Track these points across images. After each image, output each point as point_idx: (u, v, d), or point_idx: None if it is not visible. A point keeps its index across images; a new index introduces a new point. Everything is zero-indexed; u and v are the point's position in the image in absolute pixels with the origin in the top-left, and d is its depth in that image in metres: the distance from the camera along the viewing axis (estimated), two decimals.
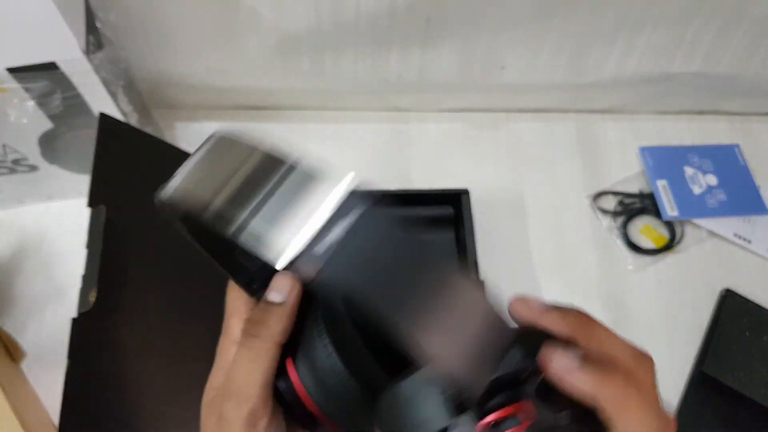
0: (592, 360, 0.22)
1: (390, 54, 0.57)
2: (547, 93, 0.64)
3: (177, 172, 0.23)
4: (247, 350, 0.24)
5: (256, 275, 0.26)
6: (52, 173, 0.54)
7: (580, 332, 0.23)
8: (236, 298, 0.27)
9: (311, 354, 0.24)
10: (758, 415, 0.53)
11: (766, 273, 0.60)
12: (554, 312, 0.24)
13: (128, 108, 0.51)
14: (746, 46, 0.58)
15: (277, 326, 0.23)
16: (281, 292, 0.24)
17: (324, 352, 0.24)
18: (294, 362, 0.24)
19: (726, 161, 0.65)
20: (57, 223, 0.57)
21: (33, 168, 0.53)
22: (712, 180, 0.64)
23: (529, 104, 0.67)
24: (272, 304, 0.24)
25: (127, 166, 0.37)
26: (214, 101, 0.64)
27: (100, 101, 0.47)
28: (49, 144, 0.50)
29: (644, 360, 0.24)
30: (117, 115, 0.49)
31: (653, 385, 0.23)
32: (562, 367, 0.21)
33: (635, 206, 0.63)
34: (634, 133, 0.67)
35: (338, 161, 0.74)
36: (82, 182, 0.56)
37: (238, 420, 0.23)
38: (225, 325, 0.27)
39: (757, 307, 0.57)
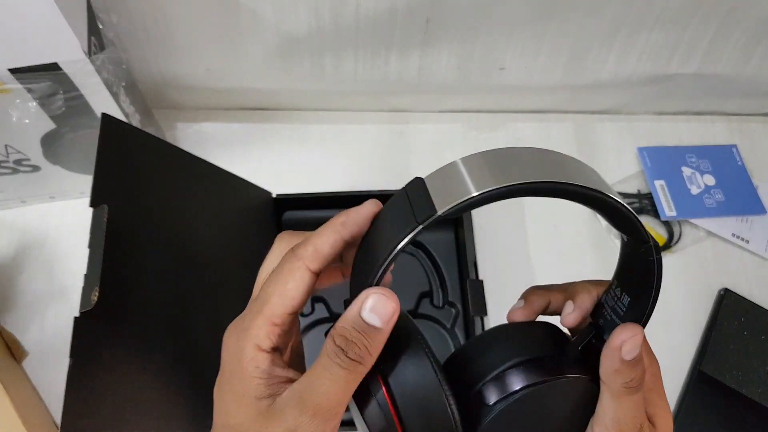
0: None
1: (390, 55, 0.57)
2: (545, 94, 0.65)
3: None
4: (347, 373, 0.23)
5: None
6: (55, 173, 0.54)
7: None
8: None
9: (409, 375, 0.23)
10: (756, 413, 0.53)
11: (763, 272, 0.61)
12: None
13: (130, 109, 0.51)
14: (743, 47, 0.58)
15: (376, 353, 0.23)
16: (383, 318, 0.23)
17: (426, 374, 0.23)
18: (384, 379, 0.23)
19: (724, 161, 0.66)
20: (59, 222, 0.58)
21: (35, 168, 0.53)
22: (710, 180, 0.64)
23: (527, 105, 0.67)
24: (372, 327, 0.23)
25: (129, 166, 0.37)
26: (215, 102, 0.64)
27: (102, 102, 0.47)
28: (51, 144, 0.51)
29: None
30: (119, 115, 0.49)
31: None
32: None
33: (633, 206, 0.63)
34: (632, 134, 0.67)
35: (338, 161, 0.74)
36: (84, 182, 0.56)
37: None
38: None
39: (755, 307, 0.57)
